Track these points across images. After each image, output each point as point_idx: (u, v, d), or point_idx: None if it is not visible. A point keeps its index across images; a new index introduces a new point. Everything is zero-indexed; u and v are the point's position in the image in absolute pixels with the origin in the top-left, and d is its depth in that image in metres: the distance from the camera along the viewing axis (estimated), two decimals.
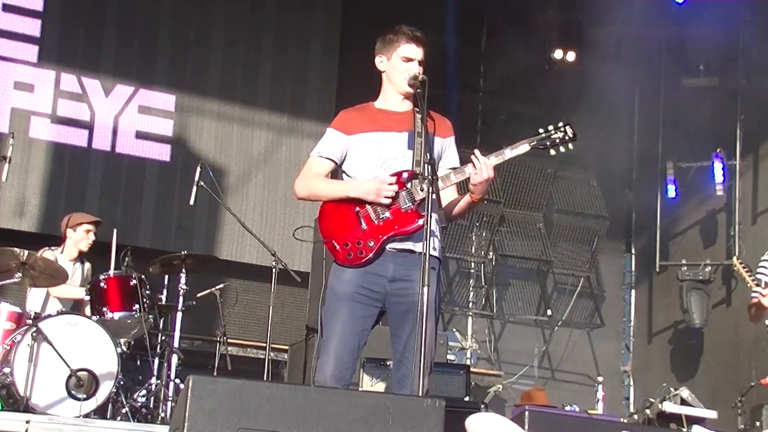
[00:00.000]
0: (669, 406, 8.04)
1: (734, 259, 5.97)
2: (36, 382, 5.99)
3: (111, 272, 6.90)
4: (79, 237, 7.31)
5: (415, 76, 4.31)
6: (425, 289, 3.90)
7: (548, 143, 4.32)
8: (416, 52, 4.38)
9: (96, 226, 7.41)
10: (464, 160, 4.39)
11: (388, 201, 4.19)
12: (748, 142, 9.94)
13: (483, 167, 4.18)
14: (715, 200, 10.07)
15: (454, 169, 4.35)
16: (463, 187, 4.43)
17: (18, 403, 5.93)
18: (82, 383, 6.08)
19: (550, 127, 4.33)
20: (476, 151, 4.22)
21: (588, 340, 10.79)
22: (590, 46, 10.55)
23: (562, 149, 4.33)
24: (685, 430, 7.63)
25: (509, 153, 4.25)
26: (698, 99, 10.13)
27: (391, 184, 4.19)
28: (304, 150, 9.43)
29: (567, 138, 4.32)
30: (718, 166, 9.76)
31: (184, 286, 7.13)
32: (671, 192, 10.27)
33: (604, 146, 10.89)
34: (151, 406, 6.88)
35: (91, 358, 6.21)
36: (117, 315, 6.78)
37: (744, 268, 5.73)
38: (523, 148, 4.28)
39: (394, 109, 4.42)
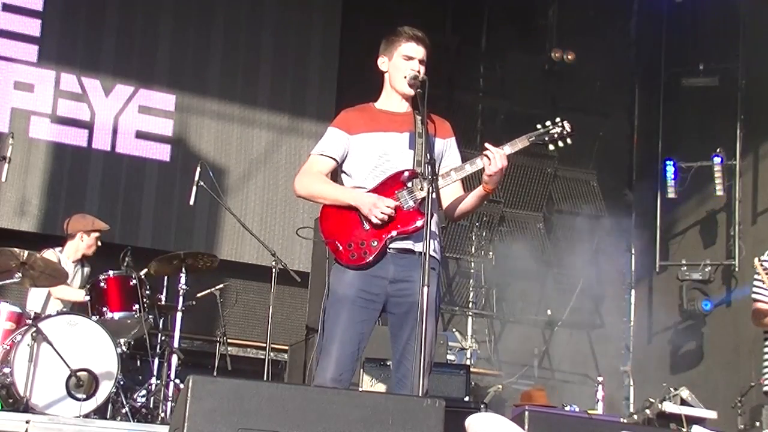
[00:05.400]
0: (669, 406, 8.04)
1: (756, 260, 5.87)
2: (36, 382, 6.00)
3: (111, 272, 6.91)
4: (90, 243, 7.38)
5: (415, 76, 4.32)
6: (425, 289, 3.91)
7: (546, 138, 4.35)
8: (417, 50, 4.40)
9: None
10: (465, 160, 4.39)
11: (378, 222, 4.19)
12: (748, 142, 9.95)
13: (496, 157, 4.19)
14: (715, 200, 10.07)
15: (460, 166, 4.34)
16: (469, 184, 4.43)
17: (18, 403, 5.94)
18: (82, 383, 6.08)
19: (548, 123, 4.36)
20: (487, 144, 4.24)
21: (588, 340, 10.79)
22: (590, 46, 10.57)
23: (560, 144, 4.36)
24: (685, 430, 7.63)
25: (508, 149, 4.27)
26: (698, 99, 10.14)
27: (389, 207, 4.19)
28: (304, 150, 9.43)
29: (565, 133, 4.35)
30: (718, 166, 9.76)
31: (184, 286, 7.13)
32: (671, 192, 10.26)
33: (604, 146, 10.91)
34: (151, 406, 6.89)
35: (91, 358, 6.21)
36: (117, 315, 6.80)
37: (762, 266, 5.69)
38: (521, 143, 4.30)
39: (395, 110, 4.43)
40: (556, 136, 4.35)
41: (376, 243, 4.22)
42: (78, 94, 9.05)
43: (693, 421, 7.73)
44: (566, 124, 4.36)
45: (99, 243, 7.43)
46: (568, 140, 4.36)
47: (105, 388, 6.20)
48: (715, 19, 10.04)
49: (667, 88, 10.64)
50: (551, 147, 4.37)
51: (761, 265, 5.69)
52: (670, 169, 10.21)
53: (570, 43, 10.69)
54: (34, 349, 5.99)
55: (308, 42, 10.01)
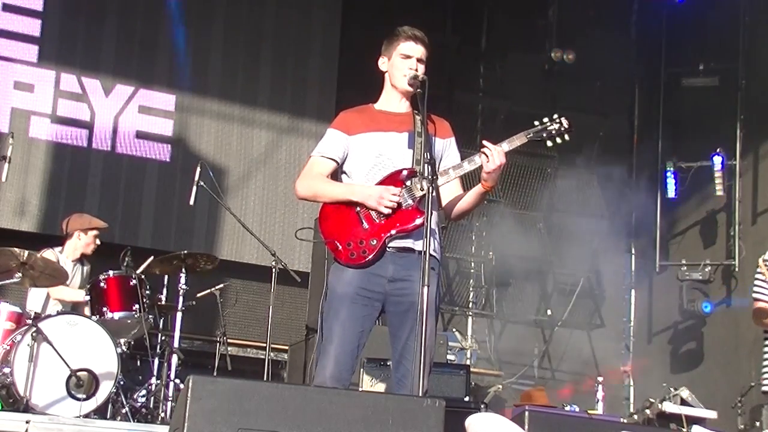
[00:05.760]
0: (669, 406, 8.04)
1: (760, 260, 5.86)
2: (36, 382, 6.00)
3: (111, 272, 6.91)
4: (89, 241, 7.36)
5: (415, 75, 4.33)
6: (425, 289, 3.91)
7: (545, 135, 4.36)
8: (415, 49, 4.40)
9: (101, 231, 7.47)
10: (465, 159, 4.39)
11: (388, 211, 4.19)
12: (748, 142, 9.95)
13: (495, 154, 4.19)
14: (715, 200, 10.08)
15: (458, 164, 4.34)
16: (468, 182, 4.43)
17: (18, 403, 5.94)
18: (82, 383, 6.08)
19: (546, 119, 4.37)
20: (485, 142, 4.24)
21: (588, 340, 10.79)
22: (590, 46, 10.57)
23: (558, 140, 4.37)
24: (685, 430, 7.63)
25: (506, 146, 4.28)
26: (698, 99, 10.14)
27: (394, 194, 4.20)
28: (304, 150, 9.44)
29: (563, 129, 4.36)
30: (718, 166, 9.77)
31: (184, 286, 7.13)
32: (671, 192, 10.26)
33: (604, 146, 10.91)
34: (151, 406, 6.89)
35: (91, 358, 6.21)
36: (117, 315, 6.79)
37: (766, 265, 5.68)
38: (519, 140, 4.31)
39: (394, 110, 4.44)
40: (554, 132, 4.35)
41: (375, 242, 4.22)
42: (78, 94, 9.05)
43: (693, 421, 7.73)
44: (564, 121, 4.36)
45: (98, 241, 7.43)
46: (566, 136, 4.37)
47: (105, 388, 6.20)
48: (715, 19, 10.04)
49: (667, 88, 10.64)
50: (549, 143, 4.38)
51: (766, 265, 5.70)
52: (670, 169, 10.21)
53: (570, 43, 10.69)
54: (34, 349, 5.98)
55: (308, 42, 10.01)
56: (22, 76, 8.88)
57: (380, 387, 6.37)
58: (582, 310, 10.77)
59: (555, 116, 4.38)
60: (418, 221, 4.17)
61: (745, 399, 8.41)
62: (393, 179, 4.28)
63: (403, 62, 4.38)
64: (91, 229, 7.37)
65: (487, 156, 4.20)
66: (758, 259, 5.91)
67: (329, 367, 4.13)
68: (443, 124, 4.46)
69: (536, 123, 4.36)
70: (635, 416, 8.88)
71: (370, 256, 4.21)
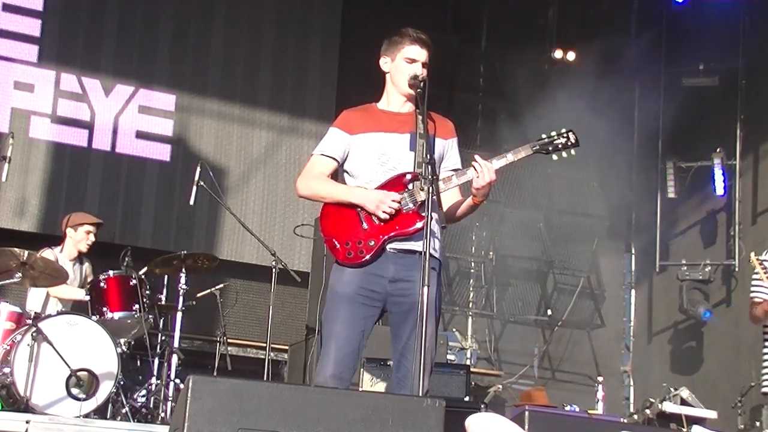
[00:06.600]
0: (669, 406, 8.04)
1: (752, 254, 5.90)
2: (36, 382, 6.00)
3: (111, 272, 6.91)
4: (80, 237, 7.31)
5: (415, 75, 4.32)
6: (425, 289, 3.91)
7: (550, 148, 4.37)
8: (420, 53, 4.39)
9: (97, 228, 7.42)
10: (465, 160, 4.40)
11: (385, 216, 4.19)
12: (748, 142, 9.96)
13: (485, 171, 4.20)
14: (715, 200, 10.08)
15: (456, 171, 4.35)
16: (466, 189, 4.43)
17: (18, 403, 5.94)
18: (82, 383, 6.09)
19: (553, 133, 4.38)
20: (477, 156, 4.24)
21: (588, 340, 10.79)
22: (590, 46, 10.56)
23: (564, 154, 4.40)
24: (685, 430, 7.63)
25: (511, 157, 4.30)
26: (698, 99, 10.14)
27: (394, 200, 4.20)
28: (304, 150, 9.44)
29: (569, 144, 4.38)
30: (718, 166, 9.77)
31: (184, 286, 7.13)
32: (671, 192, 10.26)
33: (604, 146, 10.90)
34: (151, 406, 6.89)
35: (91, 358, 6.21)
36: (117, 315, 6.79)
37: (760, 263, 5.71)
38: (525, 152, 4.33)
39: (397, 110, 4.43)
40: (560, 146, 4.38)
41: (373, 243, 4.22)
42: (78, 94, 9.05)
43: (693, 421, 7.73)
44: (571, 136, 4.39)
45: (92, 237, 7.37)
46: (572, 151, 4.40)
47: (105, 388, 6.20)
48: (715, 19, 10.04)
49: (667, 88, 10.64)
50: (554, 157, 4.40)
51: (760, 263, 5.71)
52: (670, 169, 10.21)
53: (570, 43, 10.68)
54: (34, 349, 5.99)
55: (308, 42, 10.01)
56: (22, 76, 8.87)
57: (380, 387, 6.37)
58: (582, 310, 10.77)
59: (563, 130, 4.39)
60: (418, 225, 4.17)
61: (745, 399, 8.41)
62: (396, 183, 4.28)
63: (407, 66, 4.37)
64: (80, 225, 7.34)
65: (476, 171, 4.20)
66: (754, 257, 5.93)
67: (330, 367, 4.13)
68: (446, 124, 4.46)
69: (543, 135, 4.37)
70: (635, 416, 8.88)
71: (367, 257, 4.21)
